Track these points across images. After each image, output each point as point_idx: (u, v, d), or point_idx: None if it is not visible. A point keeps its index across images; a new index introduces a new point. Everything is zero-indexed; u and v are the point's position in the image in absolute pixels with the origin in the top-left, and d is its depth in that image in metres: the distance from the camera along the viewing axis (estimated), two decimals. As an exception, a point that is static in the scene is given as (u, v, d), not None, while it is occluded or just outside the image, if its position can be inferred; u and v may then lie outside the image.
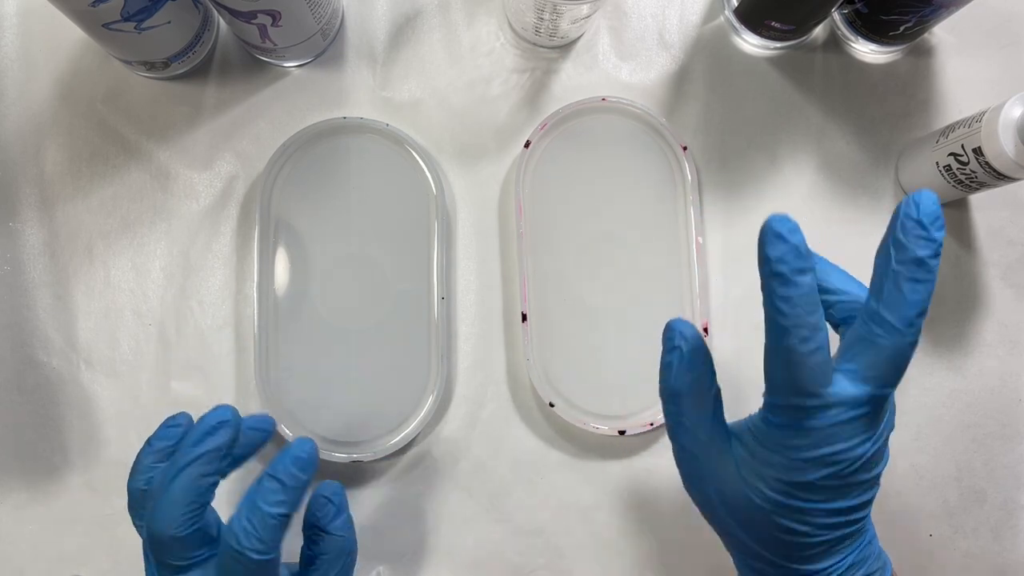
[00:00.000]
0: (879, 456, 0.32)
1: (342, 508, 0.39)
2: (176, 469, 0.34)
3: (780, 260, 0.29)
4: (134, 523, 0.37)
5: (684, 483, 0.36)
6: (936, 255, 0.30)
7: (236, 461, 0.38)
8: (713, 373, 0.34)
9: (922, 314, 0.30)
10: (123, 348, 0.48)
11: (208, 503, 0.35)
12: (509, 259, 0.49)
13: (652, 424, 0.46)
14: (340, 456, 0.45)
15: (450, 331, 0.48)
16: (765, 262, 0.30)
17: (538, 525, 0.47)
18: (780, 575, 0.34)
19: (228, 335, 0.48)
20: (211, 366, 0.48)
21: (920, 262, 0.29)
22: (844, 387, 0.30)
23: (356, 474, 0.47)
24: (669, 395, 0.34)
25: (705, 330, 0.47)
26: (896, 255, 0.30)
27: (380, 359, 0.47)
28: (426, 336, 0.47)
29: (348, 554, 0.39)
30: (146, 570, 0.36)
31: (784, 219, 0.29)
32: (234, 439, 0.35)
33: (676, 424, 0.34)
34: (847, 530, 0.33)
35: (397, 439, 0.46)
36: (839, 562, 0.33)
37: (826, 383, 0.30)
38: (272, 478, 0.33)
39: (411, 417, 0.46)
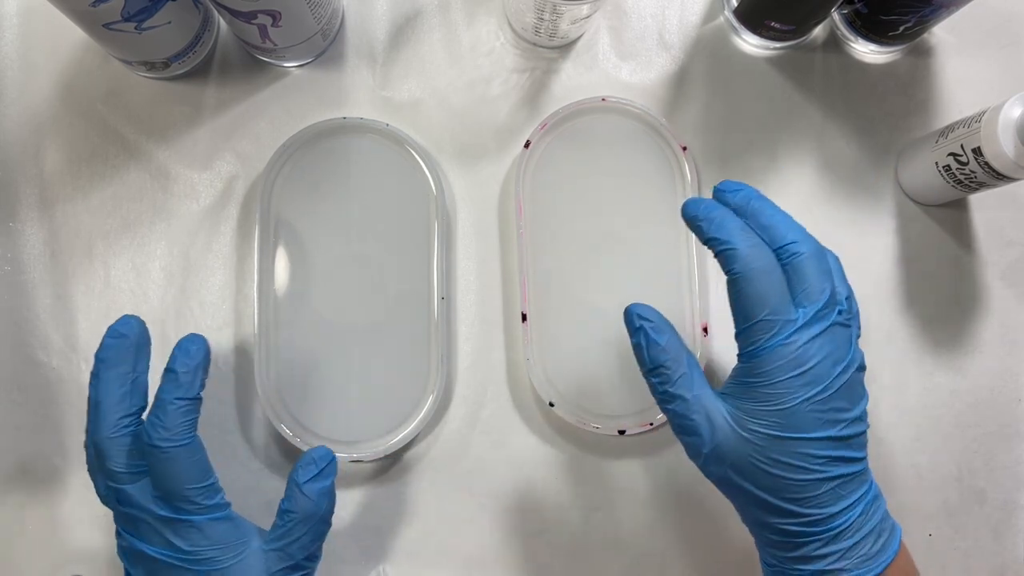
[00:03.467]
0: (853, 387, 0.35)
1: (324, 475, 0.39)
2: (97, 376, 0.37)
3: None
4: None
5: (687, 453, 0.37)
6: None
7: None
8: (681, 340, 0.37)
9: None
10: (123, 348, 0.48)
11: (141, 407, 0.38)
12: (509, 259, 0.49)
13: (652, 424, 0.46)
14: (340, 456, 0.45)
15: (450, 331, 0.48)
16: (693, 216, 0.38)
17: (538, 525, 0.47)
18: (792, 531, 0.35)
19: (228, 335, 0.48)
20: (211, 366, 0.48)
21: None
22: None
23: (356, 474, 0.47)
24: (649, 370, 0.36)
25: (705, 330, 0.47)
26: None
27: (380, 359, 0.47)
28: (426, 336, 0.47)
29: (317, 522, 0.39)
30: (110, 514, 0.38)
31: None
32: (142, 337, 0.38)
33: (663, 394, 0.36)
34: (847, 468, 0.34)
35: (397, 439, 0.46)
36: (848, 508, 0.34)
37: (786, 303, 0.35)
38: (167, 371, 0.37)
39: (411, 417, 0.46)
